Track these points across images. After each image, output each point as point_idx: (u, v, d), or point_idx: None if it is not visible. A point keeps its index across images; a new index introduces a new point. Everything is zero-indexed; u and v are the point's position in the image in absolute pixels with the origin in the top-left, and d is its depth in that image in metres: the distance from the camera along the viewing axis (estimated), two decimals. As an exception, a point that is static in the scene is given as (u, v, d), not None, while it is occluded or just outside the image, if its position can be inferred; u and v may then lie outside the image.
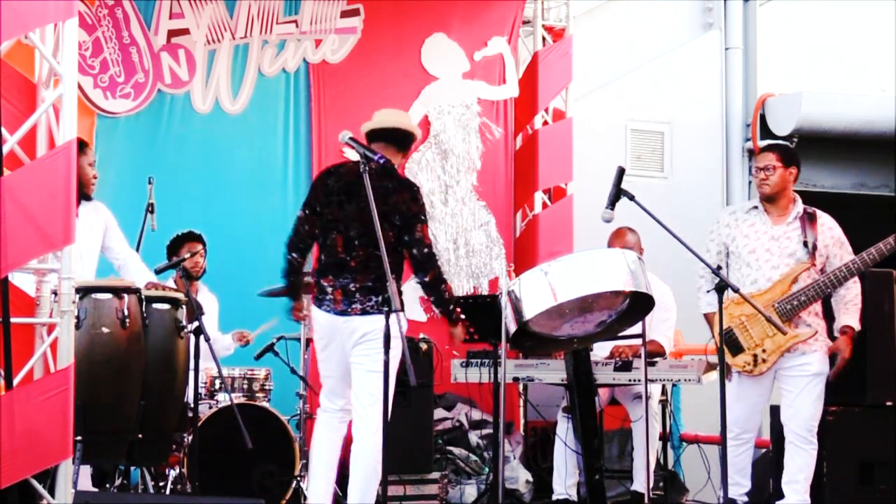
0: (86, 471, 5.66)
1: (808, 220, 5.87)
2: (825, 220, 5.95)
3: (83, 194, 5.84)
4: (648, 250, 6.71)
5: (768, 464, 6.58)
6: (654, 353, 6.50)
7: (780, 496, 5.85)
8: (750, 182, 10.01)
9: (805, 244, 5.81)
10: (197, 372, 5.88)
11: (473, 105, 8.61)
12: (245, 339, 7.04)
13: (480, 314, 6.21)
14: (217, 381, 6.59)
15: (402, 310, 4.85)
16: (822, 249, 5.84)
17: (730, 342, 5.85)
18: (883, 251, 5.76)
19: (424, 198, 8.23)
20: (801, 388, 5.79)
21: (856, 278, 5.85)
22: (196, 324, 5.67)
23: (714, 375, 6.14)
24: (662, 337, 6.79)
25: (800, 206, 5.94)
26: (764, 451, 7.03)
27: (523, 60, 8.89)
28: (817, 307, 5.88)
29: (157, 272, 5.91)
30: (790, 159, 5.97)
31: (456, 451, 7.54)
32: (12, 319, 4.55)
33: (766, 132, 9.92)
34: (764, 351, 5.80)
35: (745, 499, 5.97)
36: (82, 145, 5.82)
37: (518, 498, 7.35)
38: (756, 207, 5.97)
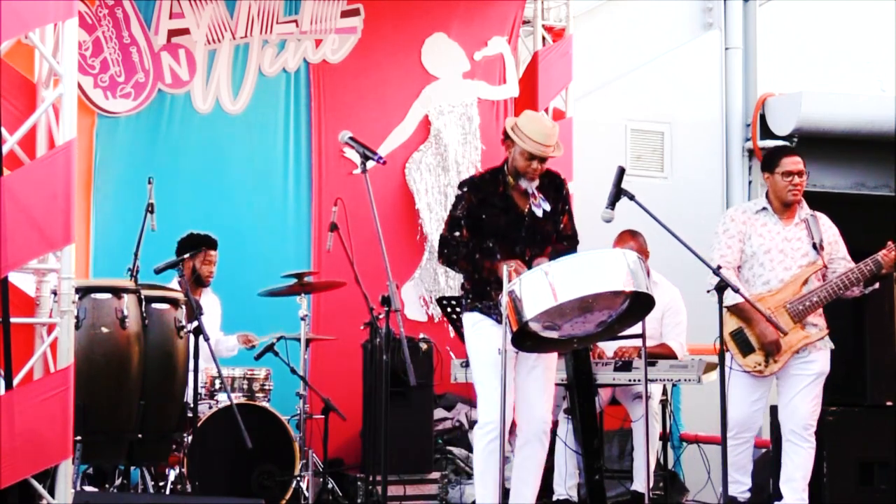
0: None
1: (812, 220, 5.90)
2: (824, 220, 6.00)
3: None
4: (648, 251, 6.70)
5: (768, 463, 6.58)
6: (667, 357, 6.48)
7: (780, 496, 5.85)
8: (750, 182, 10.02)
9: (814, 245, 5.83)
10: (197, 372, 5.87)
11: (473, 105, 8.61)
12: (250, 342, 7.03)
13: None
14: (217, 381, 6.58)
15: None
16: (826, 248, 5.87)
17: (741, 342, 5.84)
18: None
19: (424, 198, 8.46)
20: (801, 387, 5.80)
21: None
22: (196, 324, 5.67)
23: (714, 375, 6.12)
24: (675, 343, 6.71)
25: (806, 208, 5.96)
26: (764, 450, 7.03)
27: (523, 60, 8.88)
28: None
29: (157, 272, 5.90)
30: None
31: (456, 451, 7.54)
32: (12, 319, 4.55)
33: (766, 132, 9.92)
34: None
35: (748, 495, 5.97)
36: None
37: (518, 498, 7.33)
38: (765, 209, 5.96)
